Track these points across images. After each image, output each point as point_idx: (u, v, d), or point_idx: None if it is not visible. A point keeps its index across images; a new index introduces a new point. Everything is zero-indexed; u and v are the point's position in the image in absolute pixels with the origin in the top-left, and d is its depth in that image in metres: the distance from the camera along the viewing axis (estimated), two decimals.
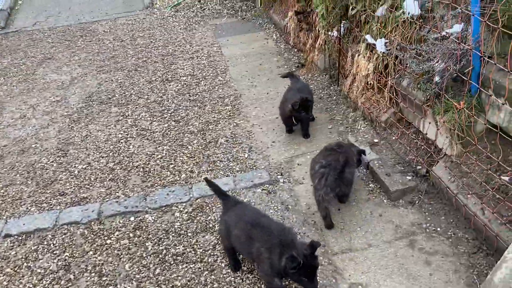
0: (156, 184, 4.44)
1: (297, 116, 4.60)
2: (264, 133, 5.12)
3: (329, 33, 5.46)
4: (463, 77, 3.20)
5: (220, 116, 5.59)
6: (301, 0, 6.04)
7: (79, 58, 7.85)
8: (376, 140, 4.35)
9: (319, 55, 5.97)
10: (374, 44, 4.34)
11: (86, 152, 5.15)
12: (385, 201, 3.82)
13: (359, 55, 4.61)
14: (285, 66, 6.68)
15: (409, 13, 3.97)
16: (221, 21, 9.01)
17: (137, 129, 5.51)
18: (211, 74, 6.76)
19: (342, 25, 5.01)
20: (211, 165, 4.64)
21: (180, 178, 4.49)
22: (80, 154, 5.11)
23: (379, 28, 4.29)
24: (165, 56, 7.57)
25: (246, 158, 4.69)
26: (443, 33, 3.22)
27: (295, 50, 7.05)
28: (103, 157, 5.03)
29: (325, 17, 5.48)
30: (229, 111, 5.67)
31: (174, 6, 9.89)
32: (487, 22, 2.74)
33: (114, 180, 4.60)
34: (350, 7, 4.56)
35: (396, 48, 4.10)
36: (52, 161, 5.02)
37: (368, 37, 4.42)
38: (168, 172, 4.60)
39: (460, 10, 3.14)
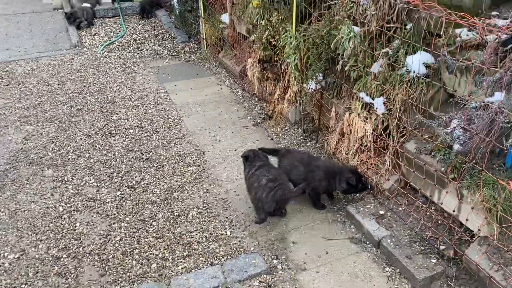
0: (120, 279, 3.49)
1: (353, 191, 4.00)
2: (242, 201, 4.40)
3: (304, 85, 4.97)
4: None
5: (184, 179, 4.77)
6: (267, 49, 5.51)
7: None
8: (381, 212, 3.83)
9: (289, 107, 5.44)
10: (371, 103, 3.88)
11: (17, 233, 4.04)
12: None
13: (350, 113, 4.13)
14: (248, 117, 6.06)
15: (414, 72, 3.58)
16: (163, 63, 8.24)
17: (82, 199, 4.50)
18: (163, 126, 5.94)
19: (326, 79, 4.54)
20: (186, 248, 3.79)
21: (150, 269, 3.58)
22: (9, 237, 4.00)
23: (376, 86, 3.85)
24: (104, 104, 6.60)
25: (228, 236, 3.92)
26: (485, 102, 2.82)
27: (256, 99, 6.48)
28: (41, 240, 3.96)
29: (298, 68, 5.00)
30: (194, 173, 4.88)
31: (107, 45, 8.94)
32: None
33: (62, 274, 3.57)
34: (341, 61, 4.09)
35: (400, 109, 3.68)
36: None
37: (363, 95, 3.96)
38: (134, 261, 3.67)
39: (499, 76, 2.78)
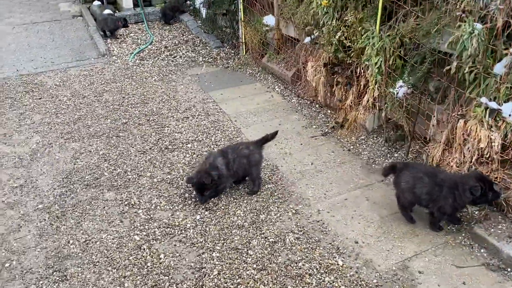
0: None
1: (483, 202, 3.48)
2: (341, 222, 3.93)
3: (391, 89, 4.51)
4: None
5: (267, 199, 4.29)
6: (339, 51, 5.05)
7: (32, 121, 6.07)
8: None
9: (365, 114, 4.98)
10: (499, 109, 3.43)
11: (95, 269, 3.55)
12: None
13: (466, 120, 3.67)
14: (313, 126, 5.59)
15: None
16: (201, 71, 7.76)
17: (158, 226, 4.01)
18: (223, 139, 5.46)
19: (428, 82, 4.08)
20: (298, 282, 3.31)
21: None
22: (87, 275, 3.50)
23: (505, 89, 3.40)
24: (150, 116, 6.11)
25: (341, 266, 3.44)
26: None
27: (317, 105, 6.01)
28: (125, 277, 3.47)
29: (382, 71, 4.55)
30: (275, 192, 4.40)
31: (137, 53, 8.44)
32: None
33: None
34: (455, 62, 3.63)
35: None
36: None
37: (485, 100, 3.51)
38: None
39: None
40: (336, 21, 5.00)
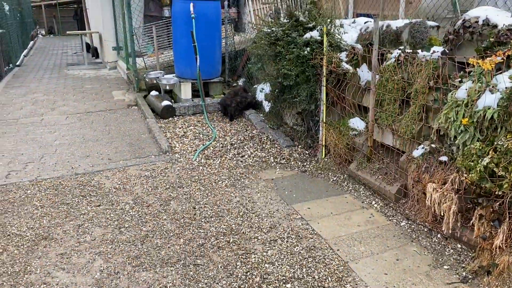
0: None
1: None
2: None
3: None
4: None
5: None
6: (484, 180, 4.07)
7: (92, 237, 5.14)
8: None
9: None
10: None
11: None
12: None
13: None
14: (444, 266, 4.48)
15: None
16: (276, 174, 6.87)
17: None
18: (330, 278, 4.37)
19: None
20: None
21: None
22: None
23: None
24: (230, 237, 5.12)
25: None
26: None
27: (438, 235, 4.93)
28: None
29: None
30: None
31: (201, 151, 7.67)
32: None
33: None
34: None
35: None
36: None
37: None
38: None
39: None
40: (480, 143, 4.07)
